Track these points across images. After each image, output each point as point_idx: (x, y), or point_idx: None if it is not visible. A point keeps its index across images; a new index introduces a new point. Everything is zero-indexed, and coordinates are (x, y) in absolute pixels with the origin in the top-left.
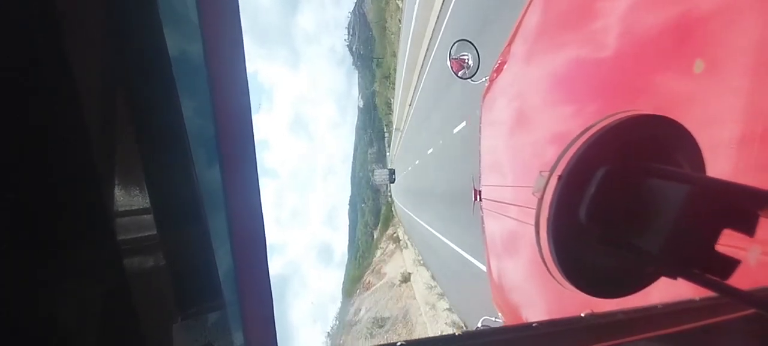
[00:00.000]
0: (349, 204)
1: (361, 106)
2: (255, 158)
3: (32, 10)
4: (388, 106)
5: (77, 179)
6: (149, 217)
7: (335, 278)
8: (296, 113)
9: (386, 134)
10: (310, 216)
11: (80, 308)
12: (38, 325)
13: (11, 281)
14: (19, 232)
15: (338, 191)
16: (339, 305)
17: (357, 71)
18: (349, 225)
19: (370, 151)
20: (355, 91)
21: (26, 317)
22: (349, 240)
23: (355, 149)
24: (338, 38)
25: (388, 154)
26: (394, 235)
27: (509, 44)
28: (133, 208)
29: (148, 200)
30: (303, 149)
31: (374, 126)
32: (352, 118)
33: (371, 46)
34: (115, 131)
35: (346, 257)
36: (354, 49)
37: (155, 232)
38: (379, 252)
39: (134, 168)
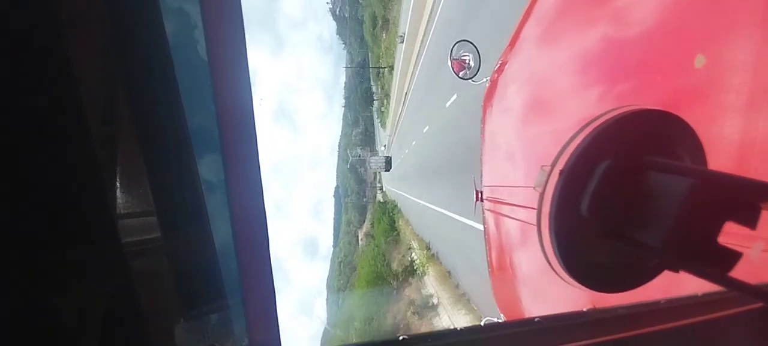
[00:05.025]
0: (334, 196)
1: (345, 81)
2: (258, 157)
3: (34, 10)
4: (383, 88)
5: (80, 181)
6: (153, 218)
7: (320, 271)
8: (281, 102)
9: (375, 100)
10: (295, 209)
11: (84, 308)
12: (43, 324)
13: (16, 281)
14: (24, 233)
15: (325, 182)
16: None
17: (343, 43)
18: (334, 218)
19: (354, 132)
20: (343, 78)
21: (31, 317)
22: (333, 233)
23: (341, 136)
24: (326, 25)
25: (377, 124)
26: None
27: (511, 45)
28: (137, 209)
29: (151, 201)
30: (288, 140)
31: (361, 99)
32: (339, 109)
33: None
34: (118, 133)
35: (331, 250)
36: (337, 12)
37: (159, 233)
38: None
39: (138, 169)
